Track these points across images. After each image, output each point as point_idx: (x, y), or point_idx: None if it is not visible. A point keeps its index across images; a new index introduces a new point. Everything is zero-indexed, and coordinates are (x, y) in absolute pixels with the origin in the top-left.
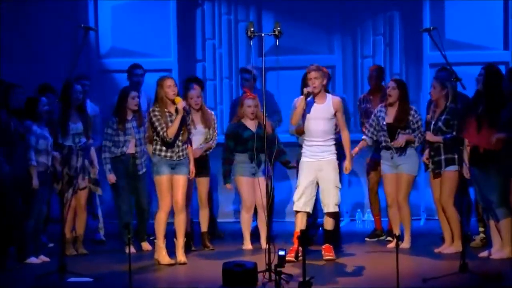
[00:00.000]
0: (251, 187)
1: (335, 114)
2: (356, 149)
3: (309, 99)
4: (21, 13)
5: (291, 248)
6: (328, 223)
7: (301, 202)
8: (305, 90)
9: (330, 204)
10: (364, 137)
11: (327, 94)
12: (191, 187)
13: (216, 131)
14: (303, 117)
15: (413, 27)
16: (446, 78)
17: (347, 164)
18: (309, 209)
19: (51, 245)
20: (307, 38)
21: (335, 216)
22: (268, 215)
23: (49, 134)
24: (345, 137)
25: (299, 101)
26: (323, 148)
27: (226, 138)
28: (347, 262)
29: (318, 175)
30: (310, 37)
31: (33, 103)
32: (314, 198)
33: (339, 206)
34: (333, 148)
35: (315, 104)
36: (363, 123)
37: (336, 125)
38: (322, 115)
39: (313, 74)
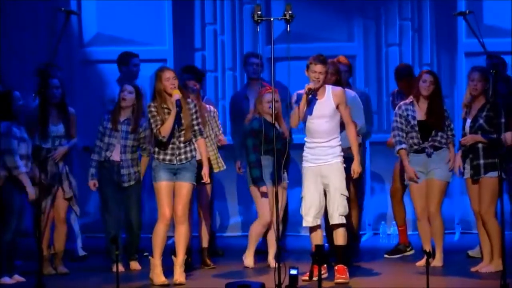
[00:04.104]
0: (271, 196)
1: (337, 108)
2: (407, 164)
3: (310, 96)
4: None
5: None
6: (339, 238)
7: (311, 216)
8: (307, 87)
9: (334, 214)
10: (401, 147)
11: (326, 85)
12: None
13: (221, 130)
14: (304, 116)
15: (446, 11)
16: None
17: (354, 166)
18: (319, 221)
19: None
20: (322, 23)
21: (344, 227)
22: (281, 228)
23: (28, 136)
24: (351, 132)
25: (302, 100)
26: (326, 150)
27: (248, 135)
28: (368, 284)
29: (323, 182)
30: (326, 22)
31: (6, 99)
32: (323, 208)
33: (346, 217)
34: (338, 149)
35: (315, 101)
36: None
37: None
38: (323, 112)
39: (319, 68)
